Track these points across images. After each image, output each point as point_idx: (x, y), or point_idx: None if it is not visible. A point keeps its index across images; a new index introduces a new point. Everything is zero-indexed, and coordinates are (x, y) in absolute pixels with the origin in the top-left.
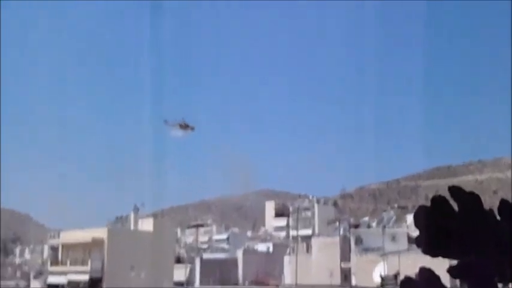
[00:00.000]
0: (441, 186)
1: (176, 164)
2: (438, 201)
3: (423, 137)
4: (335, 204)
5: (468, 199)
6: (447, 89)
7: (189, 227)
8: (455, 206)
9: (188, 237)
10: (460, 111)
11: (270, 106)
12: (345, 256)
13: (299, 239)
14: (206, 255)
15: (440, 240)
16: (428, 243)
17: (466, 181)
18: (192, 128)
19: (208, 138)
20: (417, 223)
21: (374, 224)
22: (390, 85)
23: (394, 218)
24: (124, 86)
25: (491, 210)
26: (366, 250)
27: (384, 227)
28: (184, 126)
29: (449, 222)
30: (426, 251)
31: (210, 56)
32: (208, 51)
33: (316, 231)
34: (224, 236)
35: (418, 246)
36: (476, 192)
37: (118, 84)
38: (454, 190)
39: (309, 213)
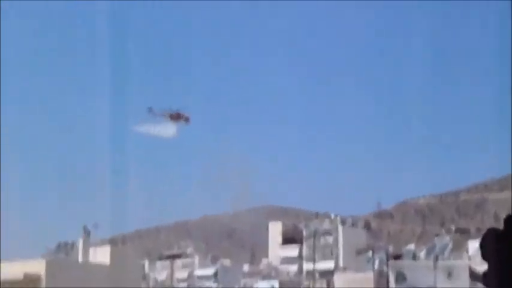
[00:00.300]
0: None
1: (143, 171)
2: None
3: (493, 133)
4: (367, 226)
5: None
6: None
7: (161, 258)
8: None
9: (160, 272)
10: None
11: (276, 92)
12: None
13: (316, 275)
14: None
15: None
16: (502, 282)
17: None
18: (187, 119)
19: (189, 135)
20: (485, 253)
21: (422, 254)
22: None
23: (451, 245)
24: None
25: None
26: None
27: (437, 258)
28: (176, 117)
29: None
30: None
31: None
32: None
33: (341, 263)
34: (210, 271)
35: (487, 285)
36: None
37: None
38: None
39: (330, 239)
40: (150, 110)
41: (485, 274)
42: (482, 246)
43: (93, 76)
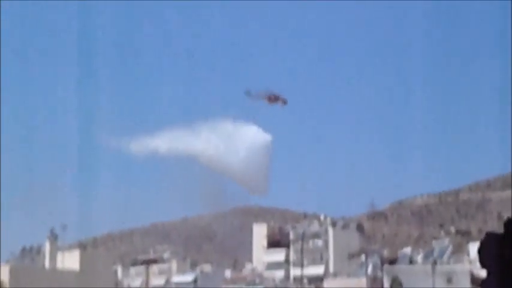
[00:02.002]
0: None
1: (115, 169)
2: None
3: (495, 128)
4: (360, 228)
5: None
6: None
7: (135, 263)
8: None
9: (134, 278)
10: None
11: (262, 77)
12: None
13: (305, 281)
14: None
15: None
16: None
17: None
18: (285, 102)
19: (163, 127)
20: (484, 259)
21: (419, 258)
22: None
23: (451, 248)
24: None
25: None
26: None
27: (435, 262)
28: (274, 99)
29: None
30: None
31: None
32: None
33: (331, 268)
34: (189, 278)
35: None
36: None
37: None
38: None
39: (319, 242)
40: (247, 92)
41: (484, 281)
42: (480, 252)
43: (60, 75)
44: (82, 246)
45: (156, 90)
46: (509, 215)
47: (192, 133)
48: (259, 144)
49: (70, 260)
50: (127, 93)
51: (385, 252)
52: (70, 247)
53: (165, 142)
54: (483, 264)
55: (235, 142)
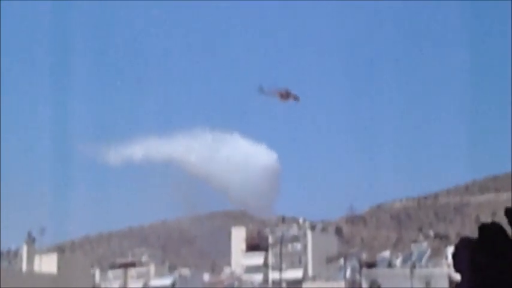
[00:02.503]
0: (500, 203)
1: (93, 172)
2: (490, 231)
3: (472, 134)
4: (339, 231)
5: None
6: (503, 73)
7: (113, 266)
8: None
9: (112, 282)
10: None
11: (241, 92)
12: None
13: (283, 285)
14: None
15: None
16: None
17: None
18: (296, 98)
19: (142, 129)
20: (458, 264)
21: (398, 262)
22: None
23: (429, 252)
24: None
25: None
26: None
27: (414, 265)
28: (286, 95)
29: (507, 262)
30: None
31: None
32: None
33: (310, 272)
34: (168, 281)
35: None
36: None
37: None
38: None
39: (298, 246)
40: (260, 88)
41: (457, 286)
42: (454, 256)
43: (34, 81)
44: (60, 250)
45: (134, 97)
46: (488, 219)
47: (171, 140)
48: (268, 167)
49: (47, 264)
50: (105, 99)
51: (364, 256)
52: (47, 250)
53: (143, 148)
54: (457, 269)
55: (218, 151)
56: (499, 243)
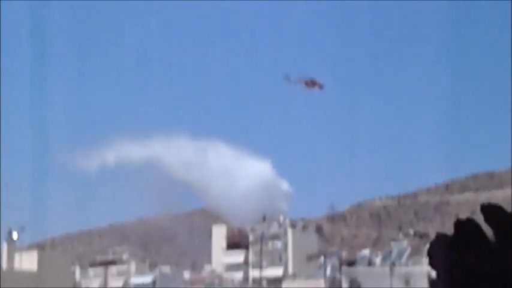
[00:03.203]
0: (480, 203)
1: (73, 168)
2: (465, 228)
3: (452, 134)
4: (319, 230)
5: (510, 223)
6: (485, 74)
7: (94, 264)
8: (492, 234)
9: (92, 280)
10: (505, 97)
11: (218, 88)
12: None
13: (264, 283)
14: None
15: (469, 286)
16: None
17: None
18: (321, 87)
19: (123, 130)
20: (434, 260)
21: (378, 260)
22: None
23: (409, 250)
24: None
25: None
26: None
27: (393, 264)
28: (311, 84)
29: (482, 259)
30: None
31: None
32: None
33: (290, 270)
34: (148, 279)
35: None
36: None
37: None
38: (490, 211)
39: (279, 244)
40: (286, 77)
41: (432, 283)
42: (430, 253)
43: (12, 85)
44: (40, 247)
45: (117, 99)
46: (455, 219)
47: (151, 143)
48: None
49: (28, 261)
50: (86, 98)
51: (344, 254)
52: (28, 248)
53: (123, 149)
54: (433, 266)
55: (200, 157)
56: (474, 239)
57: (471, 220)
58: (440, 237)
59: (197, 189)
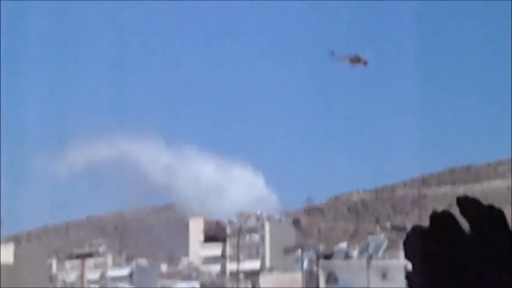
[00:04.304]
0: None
1: (49, 159)
2: (441, 220)
3: (429, 127)
4: (296, 223)
5: (486, 217)
6: (462, 68)
7: (70, 257)
8: (468, 227)
9: (69, 272)
10: (484, 91)
11: (194, 77)
12: None
13: (241, 276)
14: None
15: (444, 278)
16: (424, 284)
17: (494, 189)
18: (365, 63)
19: (99, 117)
20: (409, 252)
21: (355, 253)
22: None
23: (386, 244)
24: None
25: None
26: None
27: (370, 257)
28: (356, 60)
29: (456, 251)
30: None
31: None
32: None
33: (267, 263)
34: (125, 272)
35: (410, 286)
36: (509, 205)
37: None
38: (465, 203)
39: (256, 237)
40: (331, 53)
41: (408, 275)
42: (405, 245)
43: None
44: (16, 240)
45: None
46: (432, 211)
47: (125, 139)
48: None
49: (4, 254)
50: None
51: (321, 247)
52: (4, 240)
53: (99, 145)
54: (408, 258)
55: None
56: (449, 231)
57: (447, 212)
58: (415, 229)
59: (169, 186)
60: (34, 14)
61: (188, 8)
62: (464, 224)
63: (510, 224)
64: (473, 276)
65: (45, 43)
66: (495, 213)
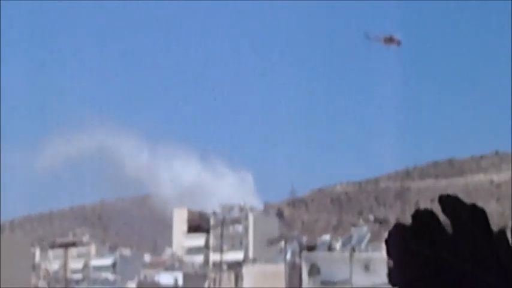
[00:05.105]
0: (440, 190)
1: (31, 146)
2: (423, 218)
3: (413, 120)
4: (280, 214)
5: (468, 215)
6: (449, 62)
7: (53, 246)
8: (450, 225)
9: (52, 262)
10: (468, 85)
11: (173, 67)
12: None
13: (224, 266)
14: None
15: (425, 276)
16: (406, 282)
17: (477, 183)
18: (399, 43)
19: (80, 104)
20: (390, 251)
21: (338, 245)
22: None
23: (369, 236)
24: None
25: (502, 233)
26: (325, 284)
27: (353, 249)
28: (390, 40)
29: (438, 249)
30: None
31: None
32: None
33: (251, 254)
34: (108, 261)
35: (391, 284)
36: (492, 198)
37: None
38: (447, 201)
39: (239, 228)
40: (365, 34)
41: (390, 272)
42: (388, 243)
43: None
44: None
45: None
46: (427, 204)
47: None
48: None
49: None
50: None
51: (304, 239)
52: None
53: (83, 137)
54: (390, 256)
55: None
56: (431, 229)
57: (429, 210)
58: (397, 227)
59: (150, 178)
60: (12, 3)
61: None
62: (446, 223)
63: (491, 222)
64: (455, 274)
65: (26, 34)
66: (477, 212)
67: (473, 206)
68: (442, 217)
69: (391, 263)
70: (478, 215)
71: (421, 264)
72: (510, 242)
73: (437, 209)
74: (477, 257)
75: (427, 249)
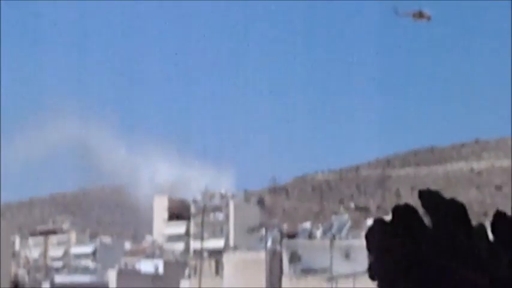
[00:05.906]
0: (420, 178)
1: (10, 137)
2: (403, 213)
3: (394, 107)
4: (261, 202)
5: (448, 210)
6: (429, 50)
7: (34, 234)
8: (430, 220)
9: (33, 249)
10: (449, 74)
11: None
12: (274, 280)
13: (205, 254)
14: (60, 279)
15: (403, 271)
16: (385, 276)
17: (457, 171)
18: (429, 18)
19: (59, 92)
20: (371, 245)
21: (318, 233)
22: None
23: (349, 224)
24: None
25: (481, 227)
26: (306, 272)
27: (334, 237)
28: (419, 15)
29: (419, 244)
30: (382, 286)
31: None
32: None
33: (232, 242)
34: (89, 249)
35: (371, 277)
36: (473, 186)
37: None
38: (427, 196)
39: (220, 216)
40: (395, 9)
41: (370, 266)
42: (367, 238)
43: None
44: None
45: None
46: (408, 193)
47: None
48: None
49: None
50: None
51: (285, 227)
52: None
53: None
54: (370, 250)
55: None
56: (411, 225)
57: (409, 205)
58: (378, 222)
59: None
60: None
61: None
62: (426, 218)
63: (471, 210)
64: (434, 269)
65: (9, 22)
66: (457, 207)
67: (453, 201)
68: (422, 211)
69: (372, 257)
70: (457, 209)
71: (400, 259)
72: (489, 236)
73: (417, 198)
74: (456, 251)
75: (407, 244)
